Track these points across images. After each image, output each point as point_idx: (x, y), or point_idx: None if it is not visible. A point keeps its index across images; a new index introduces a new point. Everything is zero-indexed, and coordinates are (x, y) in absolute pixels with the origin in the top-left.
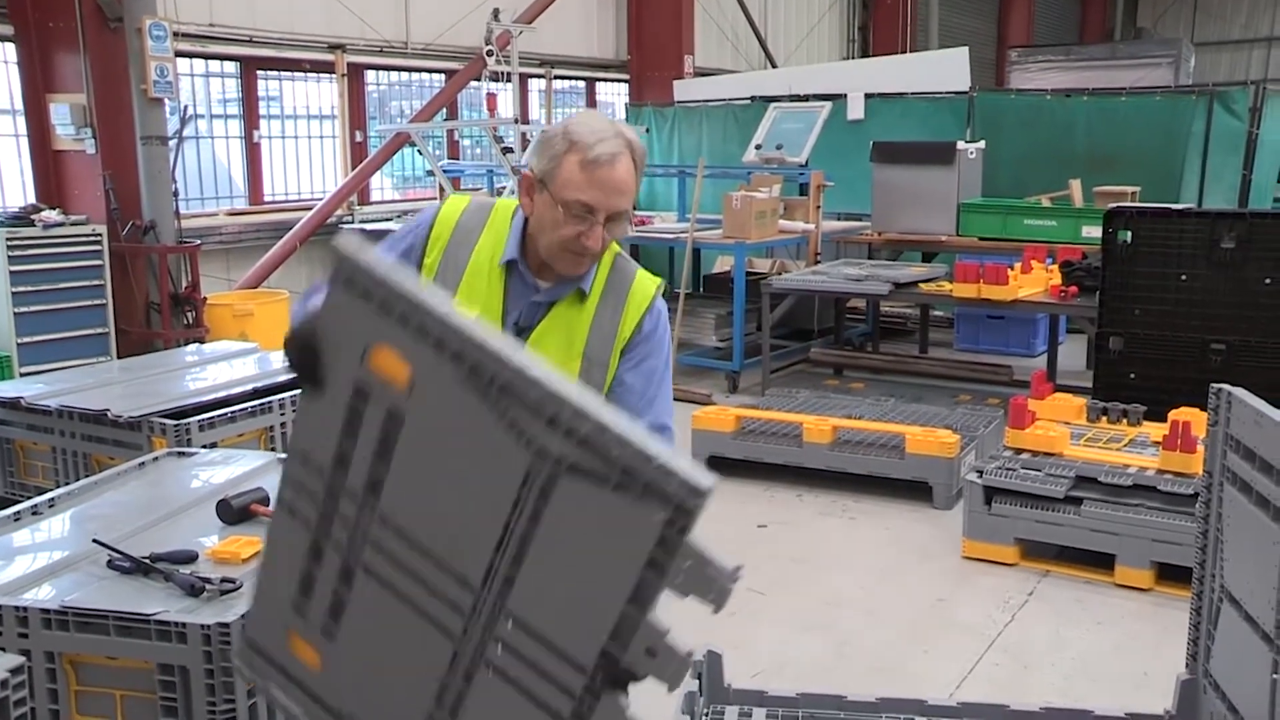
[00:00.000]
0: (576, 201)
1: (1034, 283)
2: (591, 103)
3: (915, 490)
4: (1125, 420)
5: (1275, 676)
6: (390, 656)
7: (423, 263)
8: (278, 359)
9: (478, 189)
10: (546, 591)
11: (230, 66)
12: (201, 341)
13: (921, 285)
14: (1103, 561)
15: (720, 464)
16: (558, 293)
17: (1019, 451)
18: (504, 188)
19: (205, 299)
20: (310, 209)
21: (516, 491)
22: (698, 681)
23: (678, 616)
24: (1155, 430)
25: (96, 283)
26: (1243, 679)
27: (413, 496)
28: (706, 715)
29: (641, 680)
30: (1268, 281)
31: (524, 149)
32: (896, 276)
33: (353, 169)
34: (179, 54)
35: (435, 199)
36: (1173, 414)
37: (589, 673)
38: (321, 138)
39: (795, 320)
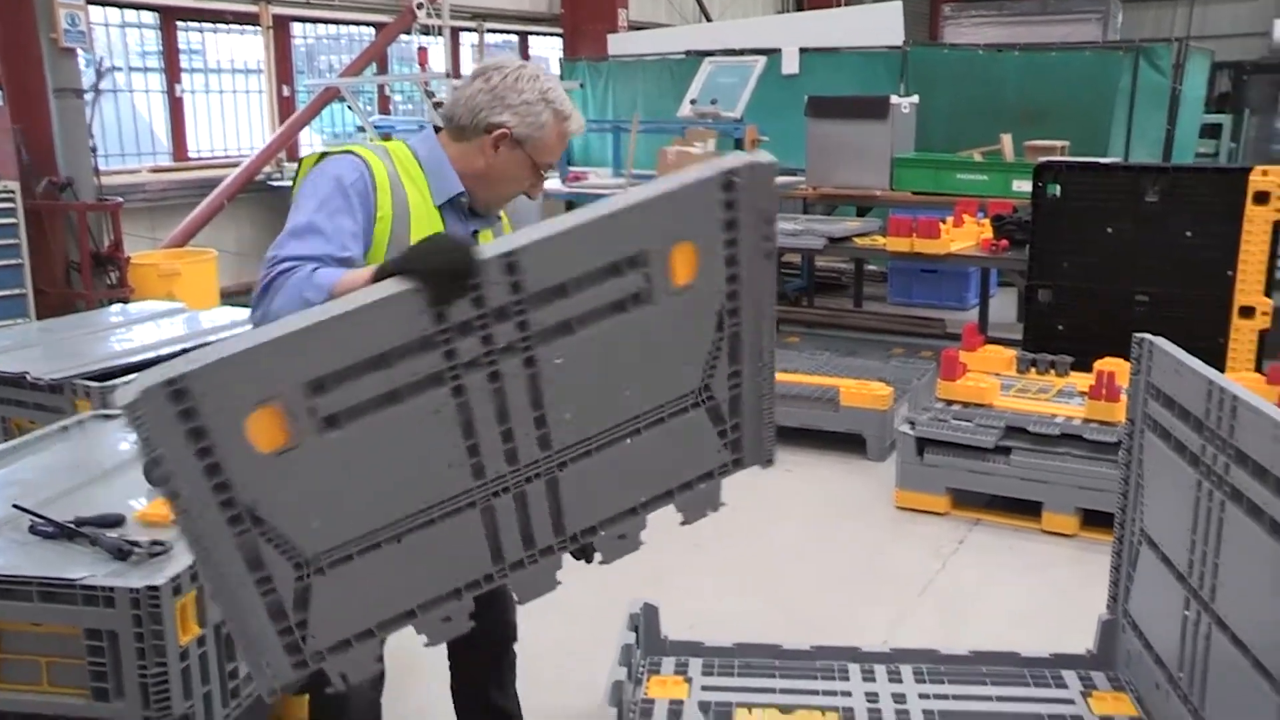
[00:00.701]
0: (548, 164)
1: (966, 236)
2: (525, 58)
3: (849, 442)
4: (1053, 371)
5: (1186, 613)
6: (378, 473)
7: (375, 214)
8: (207, 318)
9: None
10: (600, 474)
11: (149, 17)
12: (126, 301)
13: (855, 239)
14: (1031, 509)
15: None
16: (488, 223)
17: (950, 403)
18: None
19: (129, 258)
20: (237, 165)
21: (669, 402)
22: (634, 634)
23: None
24: (1082, 380)
25: (11, 242)
26: (1157, 617)
27: (577, 361)
28: (643, 667)
29: (593, 556)
30: (1189, 234)
31: None
32: (831, 231)
33: (280, 125)
34: (91, 1)
35: None
36: (1098, 364)
37: (566, 537)
38: (248, 92)
39: None
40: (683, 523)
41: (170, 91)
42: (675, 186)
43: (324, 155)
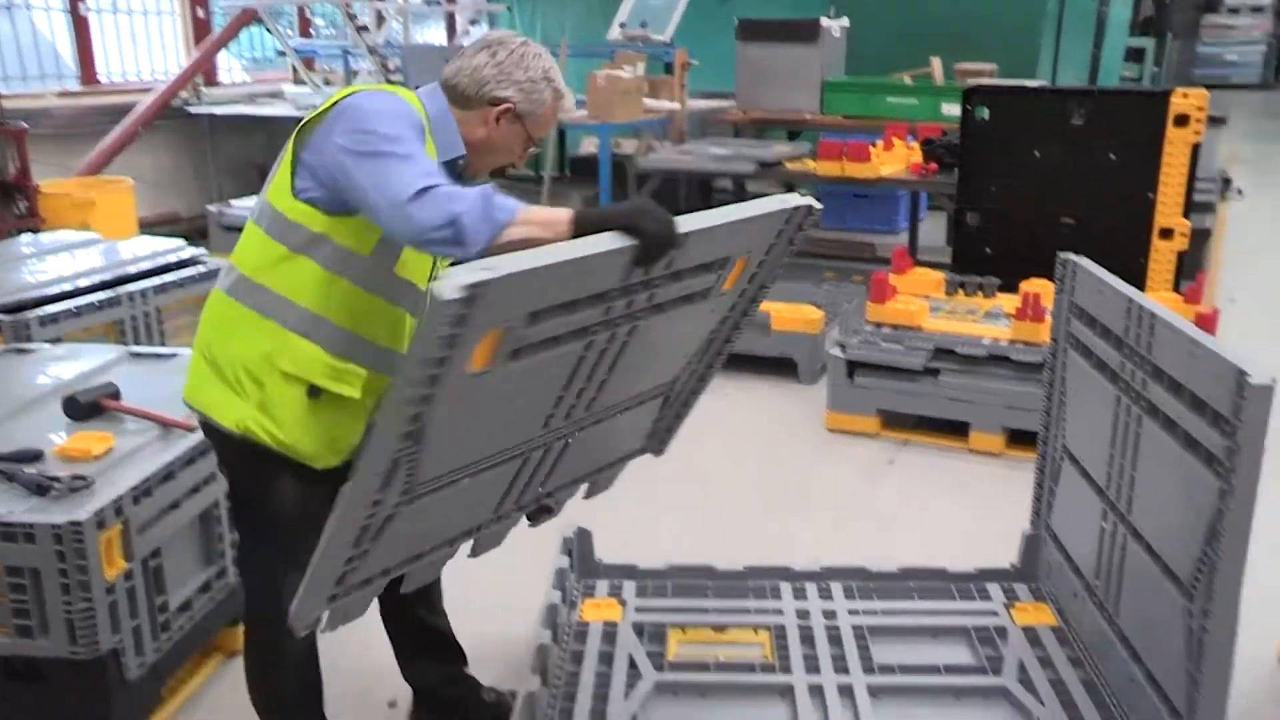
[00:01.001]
0: (540, 138)
1: (896, 160)
2: None
3: (781, 366)
4: (981, 293)
5: (1104, 525)
6: (502, 410)
7: None
8: (126, 248)
9: (332, 71)
10: (590, 442)
11: None
12: (36, 231)
13: (786, 163)
14: (959, 429)
15: None
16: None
17: (880, 325)
18: (359, 70)
19: (37, 187)
20: (151, 90)
21: (656, 387)
22: (568, 558)
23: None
24: (1009, 302)
25: None
26: (1077, 529)
27: (651, 337)
28: (577, 590)
29: (550, 510)
30: (1112, 157)
31: (378, 26)
32: (762, 155)
33: (195, 48)
34: None
35: (289, 81)
36: (1024, 285)
37: (539, 496)
38: (159, 13)
39: (662, 200)
40: (586, 496)
41: (74, 10)
42: (768, 210)
43: (356, 91)
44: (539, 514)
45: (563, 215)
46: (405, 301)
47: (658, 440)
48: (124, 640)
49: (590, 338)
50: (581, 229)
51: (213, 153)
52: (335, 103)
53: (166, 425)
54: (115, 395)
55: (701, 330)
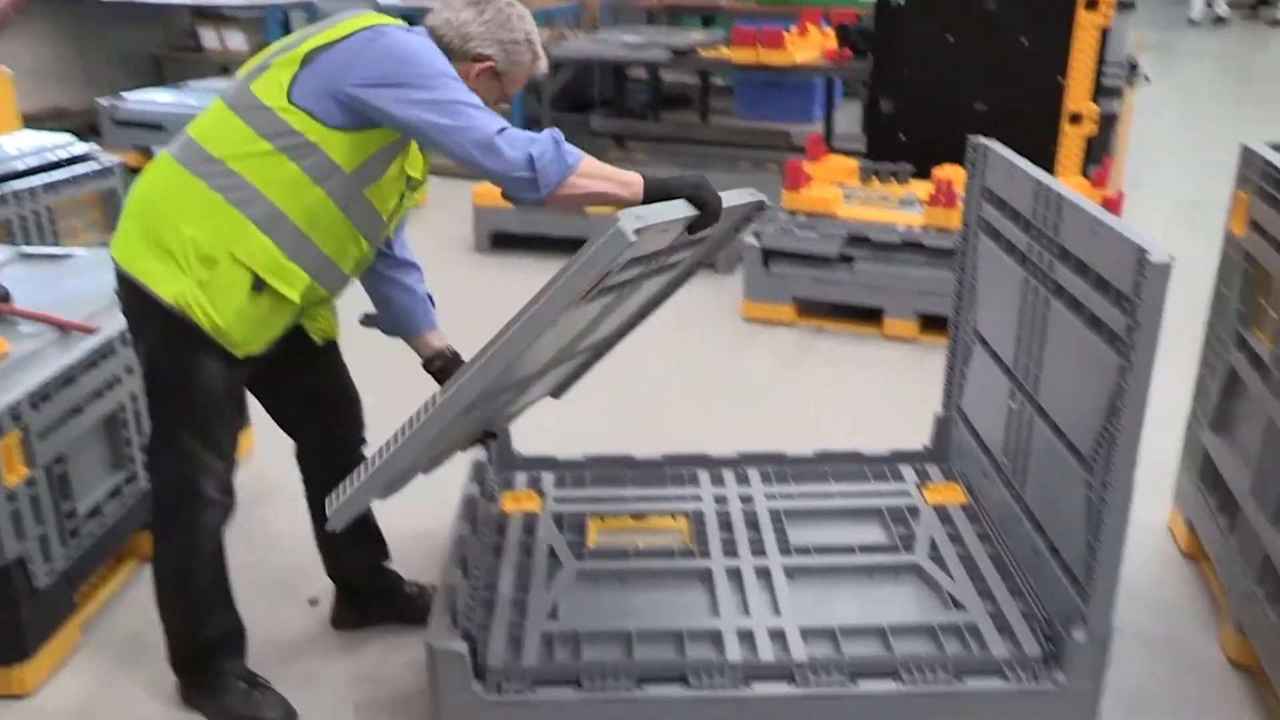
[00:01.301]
0: (512, 95)
1: (811, 46)
2: None
3: None
4: (894, 180)
5: (1011, 404)
6: (555, 338)
7: None
8: (8, 143)
9: None
10: (546, 379)
11: None
12: None
13: (700, 51)
14: (873, 315)
15: (504, 240)
16: None
17: (795, 213)
18: None
19: None
20: None
21: (606, 338)
22: (486, 451)
23: None
24: (923, 189)
25: None
26: (986, 410)
27: (637, 297)
28: (496, 482)
29: (495, 436)
30: (1024, 41)
31: None
32: (676, 43)
33: None
34: None
35: None
36: (937, 171)
37: (490, 432)
38: None
39: (575, 91)
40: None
41: None
42: (747, 200)
43: (381, 22)
44: (483, 438)
45: (637, 178)
46: (365, 225)
47: (561, 387)
48: (30, 548)
49: (622, 290)
50: (651, 194)
51: (101, 42)
52: (359, 29)
53: (64, 328)
54: (5, 298)
55: (647, 297)
